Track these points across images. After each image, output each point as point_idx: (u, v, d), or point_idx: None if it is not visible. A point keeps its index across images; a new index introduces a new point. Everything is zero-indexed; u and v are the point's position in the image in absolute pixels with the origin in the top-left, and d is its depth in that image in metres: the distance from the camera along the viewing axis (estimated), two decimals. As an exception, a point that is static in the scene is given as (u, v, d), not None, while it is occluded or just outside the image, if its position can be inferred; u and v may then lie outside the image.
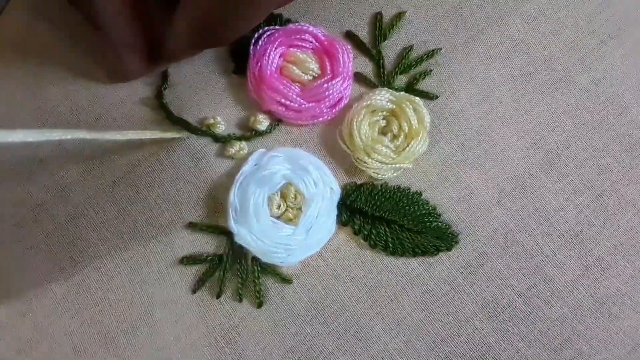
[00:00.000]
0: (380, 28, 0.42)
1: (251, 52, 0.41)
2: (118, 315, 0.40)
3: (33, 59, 0.43)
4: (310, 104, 0.40)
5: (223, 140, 0.41)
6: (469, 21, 0.43)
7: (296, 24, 0.42)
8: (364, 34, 0.43)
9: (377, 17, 0.43)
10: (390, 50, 0.43)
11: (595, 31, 0.44)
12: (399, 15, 0.43)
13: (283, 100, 0.40)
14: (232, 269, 0.40)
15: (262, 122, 0.41)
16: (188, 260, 0.40)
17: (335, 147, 0.41)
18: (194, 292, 0.40)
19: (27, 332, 0.40)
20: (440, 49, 0.42)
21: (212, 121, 0.41)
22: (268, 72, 0.40)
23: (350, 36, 0.43)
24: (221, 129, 0.41)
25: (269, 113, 0.41)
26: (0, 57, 0.43)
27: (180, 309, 0.40)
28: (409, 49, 0.42)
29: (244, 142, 0.41)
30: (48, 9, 0.43)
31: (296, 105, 0.40)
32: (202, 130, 0.41)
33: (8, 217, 0.41)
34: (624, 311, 0.40)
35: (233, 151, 0.40)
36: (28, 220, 0.41)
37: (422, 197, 0.41)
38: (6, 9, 0.44)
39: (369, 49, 0.42)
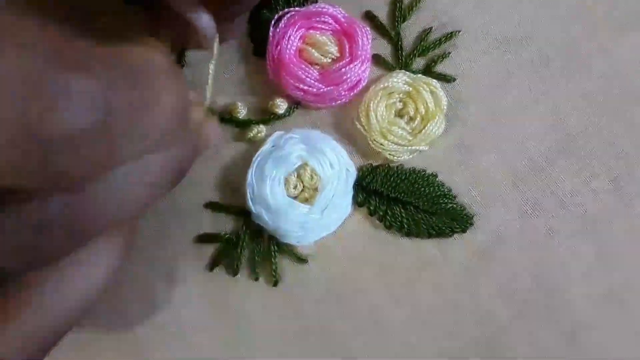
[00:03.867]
0: (401, 9, 0.42)
1: (271, 34, 0.41)
2: (136, 292, 0.40)
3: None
4: (329, 88, 0.40)
5: (242, 125, 0.41)
6: (488, 3, 0.43)
7: (316, 4, 0.42)
8: (383, 14, 0.43)
9: (397, -3, 0.43)
10: (409, 31, 0.42)
11: (616, 16, 0.43)
12: (420, -4, 0.43)
13: (302, 86, 0.40)
14: (248, 248, 0.40)
15: (281, 106, 0.41)
16: (206, 238, 0.40)
17: (352, 128, 0.41)
18: (210, 270, 0.40)
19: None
20: (459, 31, 0.42)
21: (232, 107, 0.41)
22: (287, 57, 0.40)
23: (369, 17, 0.42)
24: (242, 114, 0.41)
25: (288, 96, 0.41)
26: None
27: (197, 287, 0.40)
28: (427, 30, 0.42)
29: (262, 125, 0.41)
30: None
31: (314, 89, 0.40)
32: (226, 117, 0.41)
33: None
34: (637, 298, 0.40)
35: (251, 134, 0.41)
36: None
37: (437, 179, 0.41)
38: None
39: (388, 31, 0.42)
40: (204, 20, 0.36)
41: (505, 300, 0.40)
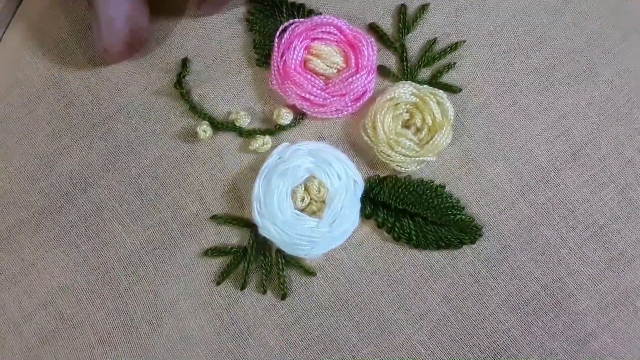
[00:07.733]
0: (404, 20, 0.42)
1: (275, 45, 0.41)
2: (143, 305, 0.40)
3: (51, 51, 0.44)
4: (334, 98, 0.40)
5: (247, 135, 0.41)
6: (492, 13, 0.43)
7: (320, 16, 0.42)
8: (387, 26, 0.43)
9: (400, 10, 0.43)
10: (413, 43, 0.43)
11: (619, 23, 0.43)
12: (423, 8, 0.43)
13: (307, 96, 0.40)
14: (256, 261, 0.40)
15: (286, 116, 0.41)
16: (212, 252, 0.40)
17: (359, 140, 0.41)
18: (218, 283, 0.40)
19: (51, 322, 0.40)
20: (464, 41, 0.42)
21: (235, 116, 0.41)
22: (292, 66, 0.40)
23: (373, 28, 0.43)
24: (245, 122, 0.41)
25: (293, 107, 0.41)
26: (18, 48, 0.44)
27: (205, 300, 0.40)
28: (432, 41, 0.42)
29: (267, 136, 0.41)
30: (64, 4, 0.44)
31: (320, 100, 0.40)
32: (227, 125, 0.41)
33: (31, 206, 0.41)
34: (650, 304, 0.40)
35: (257, 145, 0.40)
36: (52, 211, 0.41)
37: (445, 189, 0.41)
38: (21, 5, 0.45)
39: (392, 42, 0.42)
40: None
41: (514, 310, 0.40)
